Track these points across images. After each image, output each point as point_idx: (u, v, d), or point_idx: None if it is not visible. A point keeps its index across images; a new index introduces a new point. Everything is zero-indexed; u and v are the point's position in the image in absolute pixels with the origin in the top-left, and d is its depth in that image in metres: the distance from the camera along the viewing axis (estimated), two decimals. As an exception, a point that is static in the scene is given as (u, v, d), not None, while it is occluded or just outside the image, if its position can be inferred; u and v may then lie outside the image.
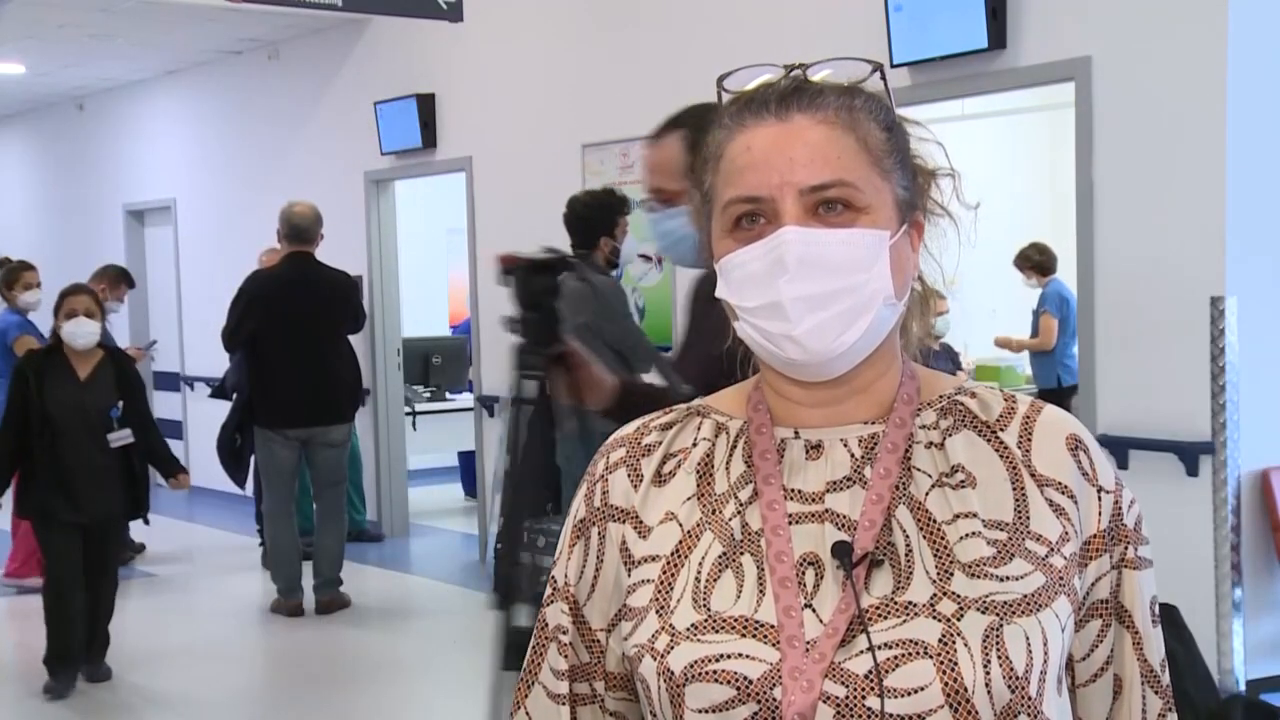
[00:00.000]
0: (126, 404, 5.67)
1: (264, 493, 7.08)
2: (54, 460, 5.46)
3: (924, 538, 1.14)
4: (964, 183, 1.26)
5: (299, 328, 6.71)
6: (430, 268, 11.17)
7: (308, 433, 6.85)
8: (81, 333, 5.58)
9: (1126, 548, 1.20)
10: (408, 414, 9.39)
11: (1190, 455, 4.77)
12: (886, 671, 1.06)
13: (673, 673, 1.12)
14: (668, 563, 1.18)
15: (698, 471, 1.22)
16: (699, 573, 1.16)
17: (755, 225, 1.15)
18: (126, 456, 5.65)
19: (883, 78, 1.20)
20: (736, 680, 1.09)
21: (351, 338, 7.22)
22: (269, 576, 7.09)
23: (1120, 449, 4.93)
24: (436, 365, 10.15)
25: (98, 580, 5.65)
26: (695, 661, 1.11)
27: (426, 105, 8.29)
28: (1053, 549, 1.14)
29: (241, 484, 7.36)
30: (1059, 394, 7.74)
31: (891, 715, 1.06)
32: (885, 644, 1.07)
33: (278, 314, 6.69)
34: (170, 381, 11.16)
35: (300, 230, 6.84)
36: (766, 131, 1.15)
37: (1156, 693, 1.22)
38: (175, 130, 11.12)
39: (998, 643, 1.08)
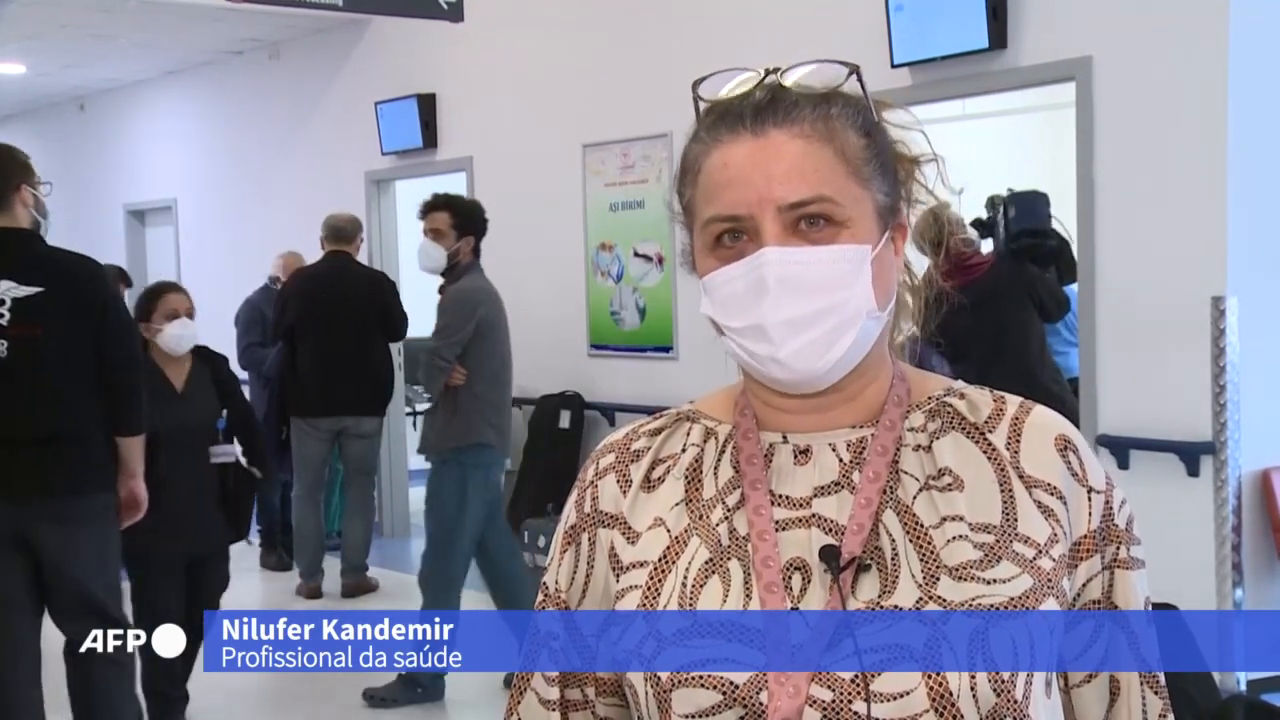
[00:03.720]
0: (231, 413, 4.91)
1: (294, 479, 7.28)
2: (152, 489, 4.40)
3: (910, 542, 1.13)
4: (949, 167, 1.25)
5: (331, 321, 6.97)
6: (432, 268, 11.17)
7: (338, 423, 7.11)
8: (188, 336, 4.76)
9: (1118, 548, 1.19)
10: (409, 414, 9.40)
11: (1191, 455, 4.76)
12: (872, 676, 1.06)
13: (659, 678, 1.12)
14: (655, 568, 1.18)
15: (686, 477, 1.22)
16: (686, 578, 1.16)
17: (737, 242, 1.14)
18: (222, 473, 4.88)
19: (859, 80, 1.19)
20: (723, 685, 1.09)
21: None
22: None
23: (1121, 449, 4.92)
24: (438, 365, 10.15)
25: (195, 625, 4.54)
26: (682, 667, 1.11)
27: (427, 105, 8.29)
28: (1041, 551, 1.14)
29: (289, 476, 7.47)
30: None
31: None
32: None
33: (312, 307, 6.96)
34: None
35: (338, 230, 7.19)
36: (742, 148, 1.14)
37: (1156, 693, 1.22)
38: (176, 130, 11.12)
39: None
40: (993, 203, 5.69)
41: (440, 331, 5.24)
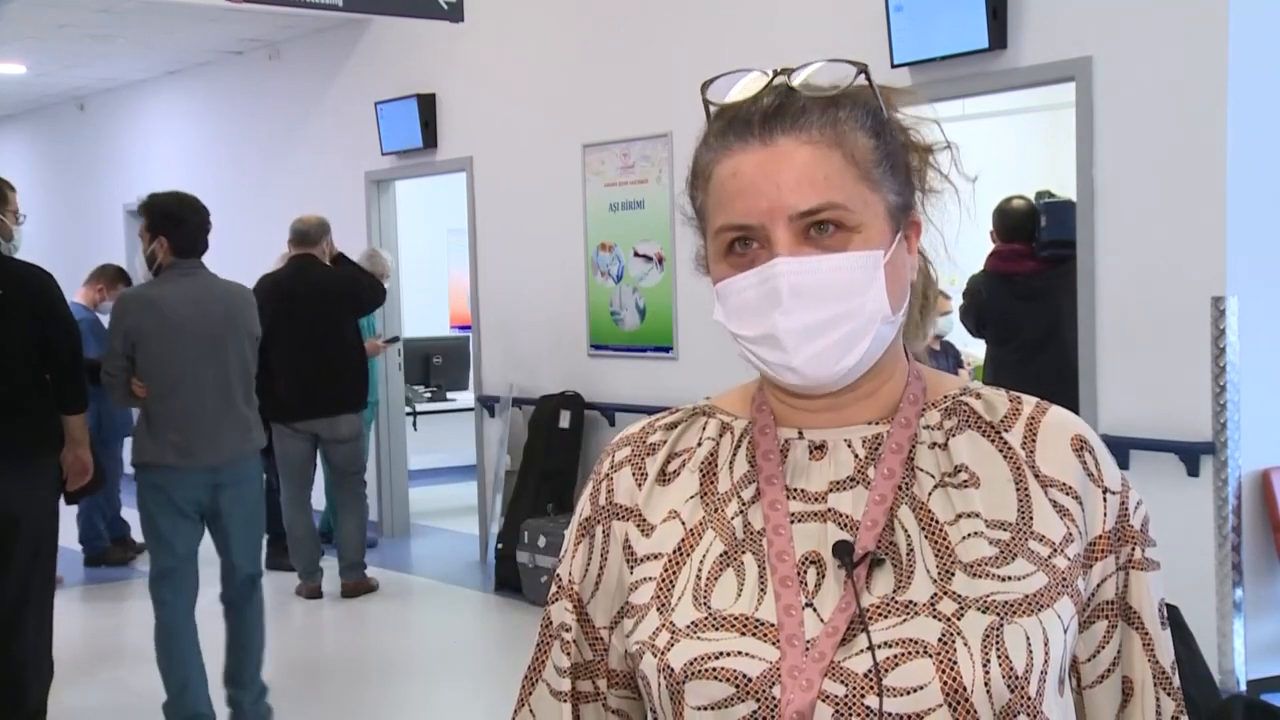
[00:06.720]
0: None
1: (281, 483, 7.29)
2: None
3: (925, 537, 1.14)
4: (961, 154, 1.26)
5: (299, 326, 6.95)
6: (431, 268, 11.19)
7: (314, 425, 7.12)
8: None
9: (1133, 549, 1.19)
10: (408, 414, 9.41)
11: (1191, 455, 4.77)
12: (886, 671, 1.07)
13: (672, 670, 1.12)
14: (670, 561, 1.19)
15: (701, 471, 1.23)
16: (700, 571, 1.17)
17: (749, 250, 1.15)
18: None
19: (868, 79, 1.19)
20: (736, 678, 1.09)
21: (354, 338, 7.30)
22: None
23: (1121, 449, 4.92)
24: (437, 365, 10.19)
25: None
26: (695, 659, 1.11)
27: (427, 105, 8.30)
28: (1056, 550, 1.14)
29: (273, 478, 7.46)
30: None
31: (890, 714, 1.06)
32: (885, 643, 1.08)
33: (279, 314, 6.88)
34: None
35: (301, 234, 7.21)
36: (751, 156, 1.14)
37: (1169, 695, 1.22)
38: (176, 130, 11.12)
39: (998, 642, 1.08)
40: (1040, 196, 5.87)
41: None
